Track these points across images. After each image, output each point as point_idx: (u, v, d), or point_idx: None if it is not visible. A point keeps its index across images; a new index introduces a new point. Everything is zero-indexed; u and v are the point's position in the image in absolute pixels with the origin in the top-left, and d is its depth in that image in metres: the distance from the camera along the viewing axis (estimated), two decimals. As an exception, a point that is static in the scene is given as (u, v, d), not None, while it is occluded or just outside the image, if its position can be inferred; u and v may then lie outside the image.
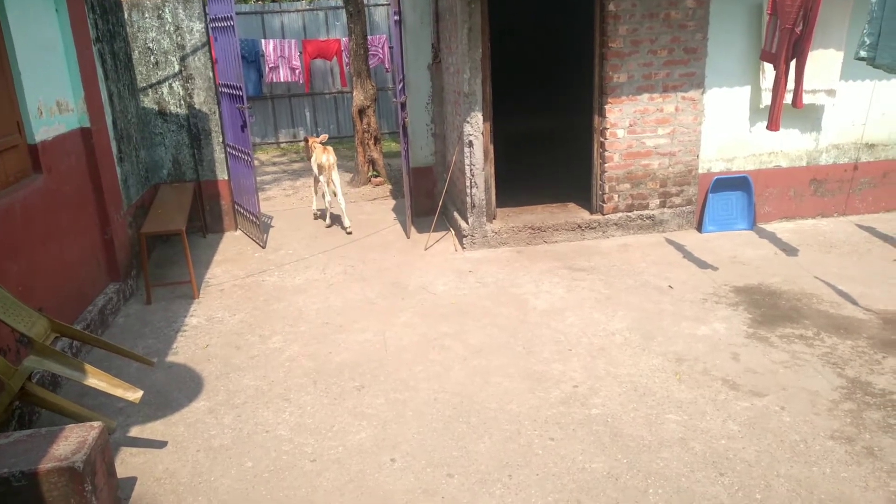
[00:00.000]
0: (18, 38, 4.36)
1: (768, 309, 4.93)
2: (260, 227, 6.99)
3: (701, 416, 3.65)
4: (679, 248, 6.23)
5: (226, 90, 7.10)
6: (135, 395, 3.34)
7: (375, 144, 9.87)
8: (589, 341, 4.57)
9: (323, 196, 7.55)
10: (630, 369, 4.18)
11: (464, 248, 6.52)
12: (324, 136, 7.81)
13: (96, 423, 2.92)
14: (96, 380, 3.30)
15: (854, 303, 4.93)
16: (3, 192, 4.03)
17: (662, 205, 6.63)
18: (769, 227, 6.72)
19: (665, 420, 3.64)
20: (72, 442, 2.76)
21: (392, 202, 8.73)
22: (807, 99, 6.17)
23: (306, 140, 7.88)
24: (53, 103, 4.79)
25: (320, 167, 7.33)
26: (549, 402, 3.87)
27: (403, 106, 7.07)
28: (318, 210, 7.96)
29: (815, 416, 3.60)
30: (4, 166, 4.13)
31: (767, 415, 3.64)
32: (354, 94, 9.74)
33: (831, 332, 4.51)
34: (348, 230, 7.29)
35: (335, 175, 7.31)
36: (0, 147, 4.07)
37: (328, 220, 7.64)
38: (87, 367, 3.33)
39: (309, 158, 7.83)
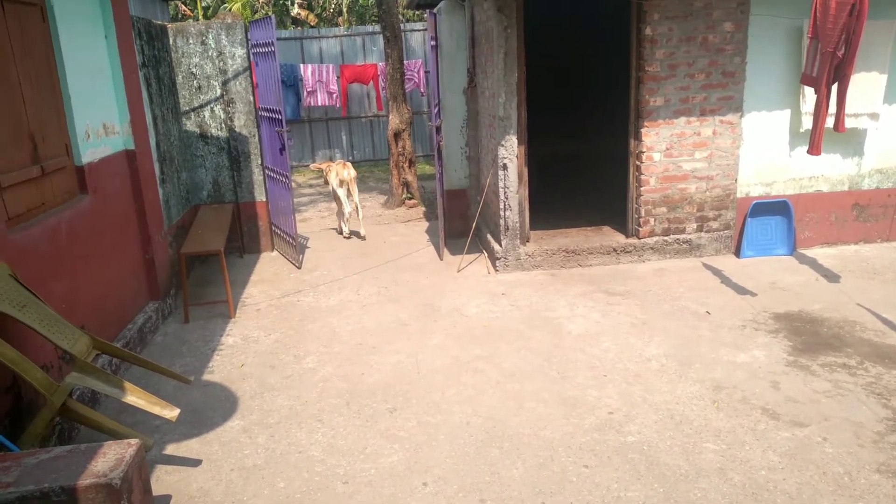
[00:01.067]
0: (69, 64, 4.52)
1: (809, 336, 4.81)
2: (296, 248, 7.08)
3: (740, 446, 3.56)
4: (717, 273, 6.13)
5: (265, 114, 7.25)
6: (172, 413, 3.39)
7: (410, 167, 9.96)
8: (624, 367, 4.50)
9: (347, 211, 8.08)
10: (667, 396, 4.11)
11: (497, 270, 6.51)
12: (339, 161, 8.38)
13: (134, 441, 2.97)
14: (135, 397, 3.36)
15: (900, 332, 4.79)
16: (50, 211, 4.16)
17: (700, 229, 6.55)
18: (810, 252, 6.58)
19: (703, 449, 3.56)
20: (110, 458, 2.80)
21: (426, 224, 8.77)
22: (849, 123, 6.06)
23: (320, 168, 8.50)
24: (100, 126, 4.95)
25: (342, 181, 7.91)
26: (583, 428, 3.82)
27: (439, 129, 7.13)
28: (349, 232, 8.31)
29: (860, 448, 3.49)
30: (52, 187, 4.26)
31: (809, 446, 3.54)
32: (390, 117, 9.86)
33: (875, 362, 4.38)
34: (363, 236, 8.13)
35: (355, 188, 7.96)
36: (49, 168, 4.20)
37: (347, 232, 8.23)
38: (127, 384, 3.39)
39: (327, 183, 8.33)
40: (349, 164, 8.06)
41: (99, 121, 4.94)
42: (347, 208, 8.00)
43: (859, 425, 3.69)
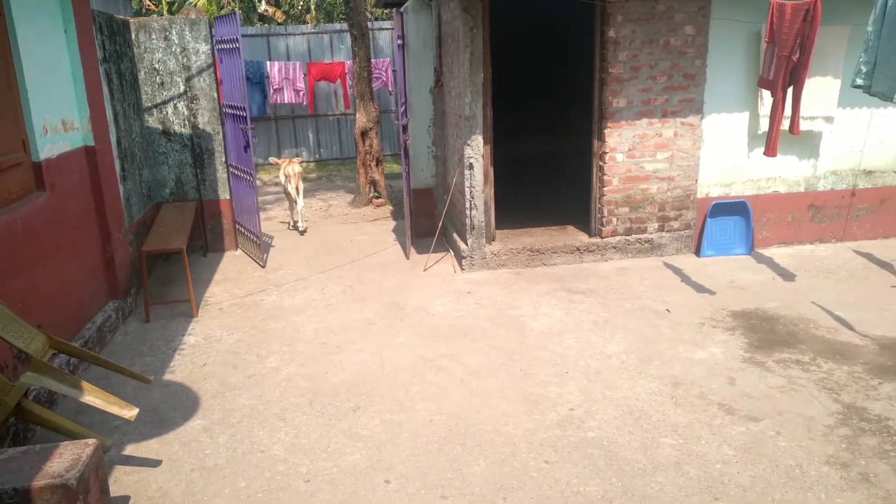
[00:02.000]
0: (27, 58, 4.43)
1: (765, 334, 4.93)
2: (260, 247, 7.03)
3: (696, 441, 3.65)
4: (677, 272, 6.25)
5: (230, 111, 7.18)
6: (130, 412, 3.35)
7: (377, 166, 9.94)
8: (586, 364, 4.57)
9: (294, 203, 8.44)
10: (627, 392, 4.18)
11: (463, 269, 6.55)
12: (286, 158, 8.76)
13: (91, 441, 2.93)
14: (92, 397, 3.31)
15: (851, 328, 4.93)
16: (6, 209, 4.08)
17: (661, 229, 6.66)
18: (767, 252, 6.74)
19: (661, 444, 3.63)
20: (66, 459, 2.76)
21: (393, 223, 8.77)
22: (804, 125, 6.22)
23: (278, 163, 8.81)
24: (59, 122, 4.85)
25: (287, 176, 8.32)
26: (545, 424, 3.87)
27: (405, 128, 7.14)
28: (292, 222, 8.73)
29: (811, 441, 3.60)
30: (8, 183, 4.18)
31: (763, 440, 3.64)
32: (357, 116, 9.83)
33: (828, 358, 4.51)
34: (302, 231, 8.40)
35: (300, 183, 8.36)
36: (5, 164, 4.12)
37: (302, 228, 8.45)
38: (84, 384, 3.34)
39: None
40: (295, 160, 8.54)
41: (57, 116, 4.85)
42: (299, 204, 8.38)
43: (811, 419, 3.80)
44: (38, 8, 4.72)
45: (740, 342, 4.81)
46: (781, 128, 5.16)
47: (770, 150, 5.18)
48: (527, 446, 3.66)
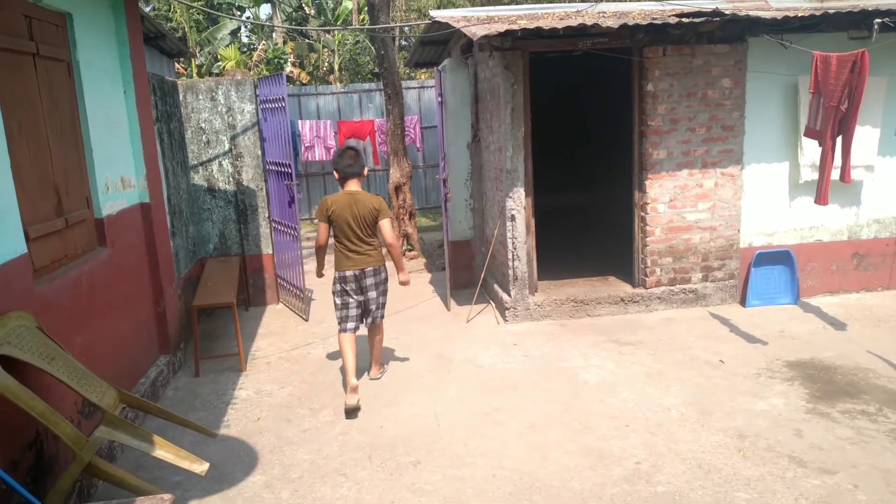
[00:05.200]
0: (92, 118, 4.58)
1: (824, 384, 4.84)
2: (303, 300, 7.06)
3: (772, 495, 3.55)
4: (724, 322, 6.19)
5: (273, 167, 7.33)
6: (201, 466, 3.33)
7: (410, 220, 10.04)
8: (645, 417, 4.49)
9: None
10: (691, 445, 4.10)
11: (506, 320, 6.52)
12: None
13: (167, 496, 2.91)
14: (164, 451, 3.30)
15: (914, 378, 4.84)
16: (72, 264, 4.15)
17: (705, 279, 6.63)
18: (813, 301, 6.67)
19: (735, 498, 3.54)
20: (146, 514, 2.74)
21: (427, 275, 8.80)
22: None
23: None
24: (119, 179, 4.98)
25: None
26: (612, 479, 3.79)
27: (445, 182, 7.23)
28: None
29: (893, 495, 3.49)
30: (74, 239, 4.26)
31: (841, 493, 3.53)
32: (391, 171, 9.98)
33: (894, 408, 4.41)
34: None
35: None
36: (72, 221, 4.21)
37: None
38: (156, 438, 3.33)
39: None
40: None
41: (117, 174, 4.98)
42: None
43: (888, 472, 3.70)
44: (102, 70, 4.90)
45: (800, 393, 4.72)
46: (832, 176, 5.17)
47: (821, 199, 5.19)
48: (596, 501, 3.58)
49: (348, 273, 5.03)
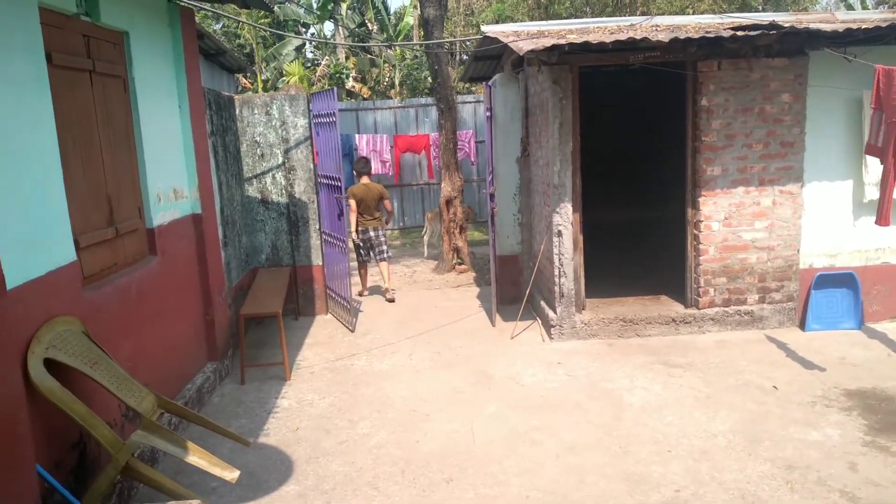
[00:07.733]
0: (146, 131, 4.76)
1: (886, 415, 4.57)
2: (350, 312, 7.13)
3: (820, 532, 3.36)
4: (781, 346, 5.92)
5: (324, 181, 7.45)
6: (232, 474, 3.37)
7: (461, 233, 10.04)
8: (690, 443, 4.33)
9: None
10: (736, 475, 3.92)
11: (552, 338, 6.42)
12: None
13: (195, 502, 2.96)
14: (197, 457, 3.36)
15: None
16: (122, 272, 4.30)
17: (762, 300, 6.37)
18: (879, 326, 6.32)
19: (779, 533, 3.36)
20: (173, 519, 2.79)
21: (476, 289, 8.76)
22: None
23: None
24: (171, 191, 5.15)
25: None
26: (649, 505, 3.66)
27: (493, 196, 7.20)
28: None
29: (954, 538, 3.25)
30: (125, 248, 4.42)
31: (897, 534, 3.31)
32: (443, 185, 10.02)
33: (962, 445, 4.12)
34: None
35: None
36: (123, 230, 4.37)
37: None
38: (190, 444, 3.40)
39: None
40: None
41: (170, 185, 5.14)
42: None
43: (950, 513, 3.45)
44: (158, 86, 5.08)
45: (858, 424, 4.47)
46: (894, 196, 4.90)
47: (882, 220, 4.92)
48: (631, 529, 3.46)
49: (365, 229, 8.24)
